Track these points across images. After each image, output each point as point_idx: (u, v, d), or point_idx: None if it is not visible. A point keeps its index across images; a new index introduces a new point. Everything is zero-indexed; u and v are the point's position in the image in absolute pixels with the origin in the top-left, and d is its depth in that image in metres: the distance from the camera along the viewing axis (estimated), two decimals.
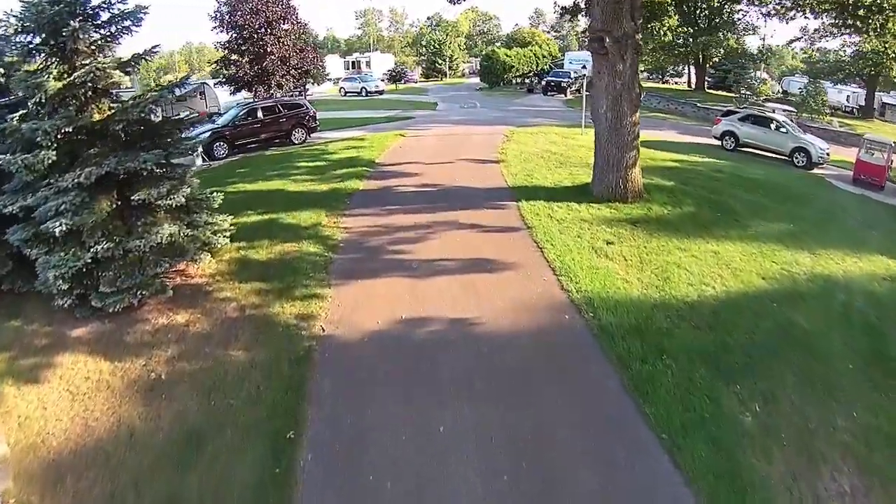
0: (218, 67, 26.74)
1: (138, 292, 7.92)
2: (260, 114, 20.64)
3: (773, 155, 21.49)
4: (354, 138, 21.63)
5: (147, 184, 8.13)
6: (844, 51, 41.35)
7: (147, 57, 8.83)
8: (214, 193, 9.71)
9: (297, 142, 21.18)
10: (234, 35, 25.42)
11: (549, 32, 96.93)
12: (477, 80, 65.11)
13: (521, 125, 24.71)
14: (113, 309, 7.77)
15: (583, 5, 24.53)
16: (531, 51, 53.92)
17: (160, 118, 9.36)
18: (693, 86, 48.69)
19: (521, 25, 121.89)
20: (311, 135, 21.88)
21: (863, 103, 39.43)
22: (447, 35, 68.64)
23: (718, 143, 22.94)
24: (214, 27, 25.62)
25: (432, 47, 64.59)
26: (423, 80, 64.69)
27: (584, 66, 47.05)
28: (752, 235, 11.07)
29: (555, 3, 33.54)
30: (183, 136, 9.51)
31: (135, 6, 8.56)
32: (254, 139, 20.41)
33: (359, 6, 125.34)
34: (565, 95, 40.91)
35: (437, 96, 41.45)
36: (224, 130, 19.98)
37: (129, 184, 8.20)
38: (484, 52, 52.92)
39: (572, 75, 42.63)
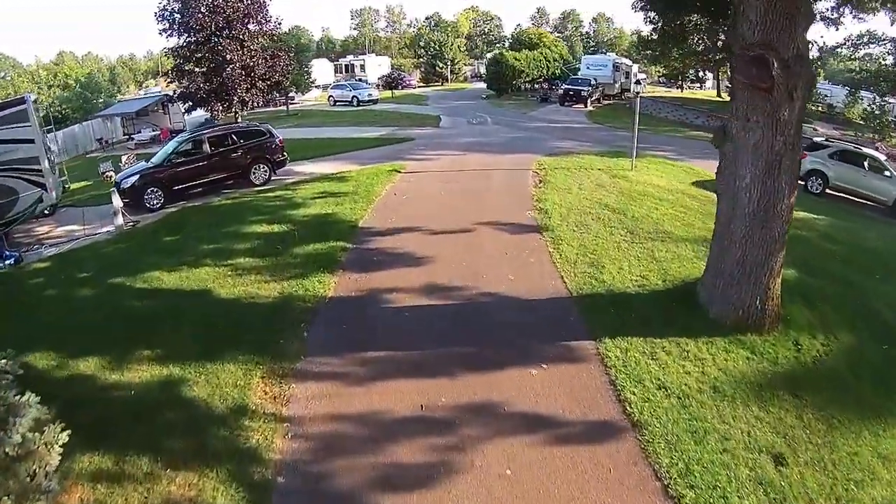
0: (169, 80, 21.45)
1: None
2: (207, 147, 15.39)
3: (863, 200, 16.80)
4: (334, 176, 16.37)
5: None
6: (885, 58, 36.46)
7: None
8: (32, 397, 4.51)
9: (257, 182, 15.97)
10: (188, 39, 20.19)
11: (552, 33, 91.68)
12: (481, 85, 59.92)
13: (549, 152, 19.53)
14: None
15: None
16: (541, 53, 48.76)
17: None
18: (724, 95, 43.61)
19: (523, 26, 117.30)
20: (279, 170, 16.66)
21: None
22: (448, 36, 63.34)
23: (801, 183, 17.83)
24: (163, 30, 20.34)
25: (432, 49, 59.30)
26: (421, 85, 59.44)
27: (617, 69, 41.80)
28: None
29: None
30: None
31: None
32: (199, 182, 15.18)
33: (354, 5, 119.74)
34: (585, 106, 35.74)
35: (440, 107, 36.19)
36: (158, 172, 14.78)
37: None
38: (491, 56, 47.70)
39: (592, 82, 37.49)
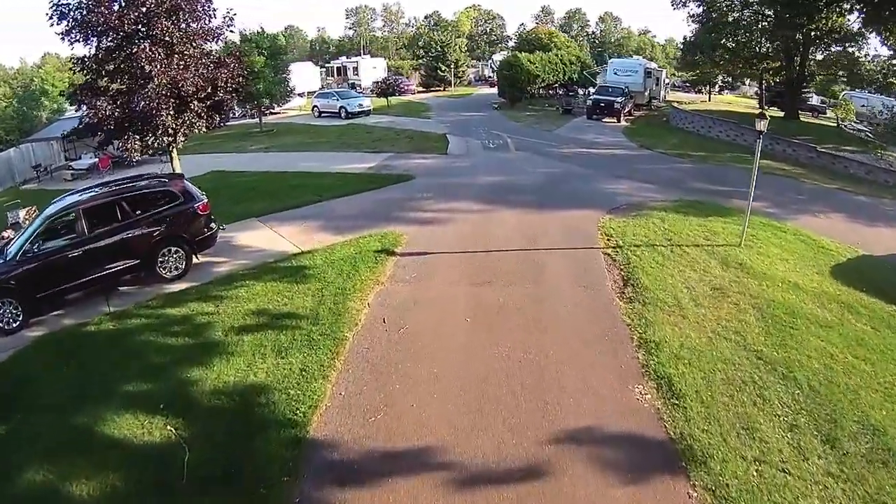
0: (76, 103, 15.24)
1: None
2: (83, 224, 9.37)
3: None
4: (289, 266, 10.21)
5: None
6: None
7: None
8: None
9: (168, 276, 9.98)
10: (98, 45, 14.09)
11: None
12: (487, 90, 53.76)
13: (609, 203, 13.63)
14: None
15: None
16: (556, 55, 42.65)
17: None
18: (764, 104, 37.67)
19: (526, 25, 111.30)
20: (204, 251, 10.65)
21: None
22: (450, 35, 57.17)
23: None
24: (63, 34, 14.18)
25: (434, 50, 53.05)
26: (421, 90, 53.31)
27: (649, 75, 35.51)
28: None
29: None
30: None
31: None
32: (76, 282, 9.23)
33: (350, 3, 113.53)
34: (618, 121, 29.71)
35: (445, 120, 30.06)
36: (11, 272, 8.78)
37: None
38: (502, 58, 41.54)
39: (625, 91, 31.46)
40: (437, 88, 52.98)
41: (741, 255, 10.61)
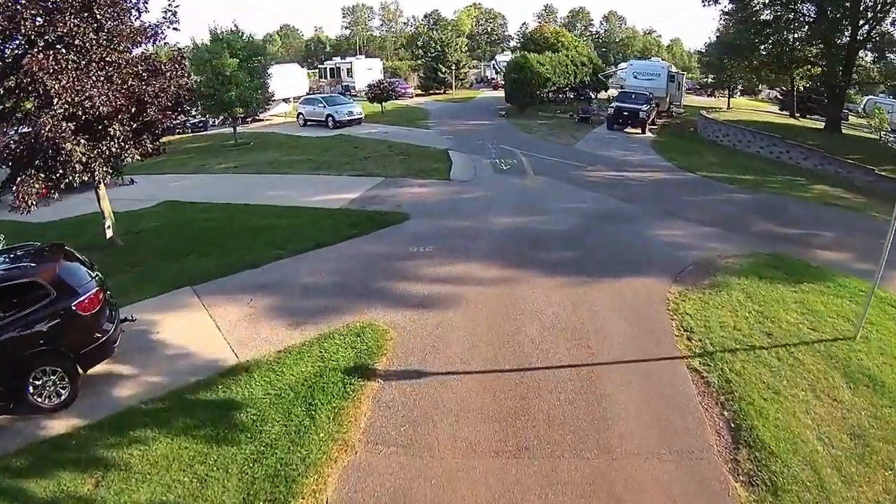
0: None
1: None
2: None
3: None
4: (211, 408, 6.45)
5: None
6: None
7: None
8: None
9: (47, 406, 6.47)
10: None
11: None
12: (490, 92, 50.17)
13: (667, 264, 10.10)
14: None
15: None
16: (567, 56, 39.08)
17: None
18: (793, 114, 34.18)
19: (529, 25, 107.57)
20: (97, 364, 7.08)
21: None
22: (451, 35, 53.52)
23: None
24: None
25: (433, 50, 49.38)
26: (420, 93, 49.74)
27: (672, 79, 31.86)
28: None
29: None
30: None
31: None
32: None
33: (347, 1, 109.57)
34: (643, 131, 26.24)
35: (446, 131, 26.49)
36: None
37: None
38: (510, 60, 37.83)
39: (650, 97, 27.98)
40: (437, 91, 49.44)
41: (864, 358, 7.29)
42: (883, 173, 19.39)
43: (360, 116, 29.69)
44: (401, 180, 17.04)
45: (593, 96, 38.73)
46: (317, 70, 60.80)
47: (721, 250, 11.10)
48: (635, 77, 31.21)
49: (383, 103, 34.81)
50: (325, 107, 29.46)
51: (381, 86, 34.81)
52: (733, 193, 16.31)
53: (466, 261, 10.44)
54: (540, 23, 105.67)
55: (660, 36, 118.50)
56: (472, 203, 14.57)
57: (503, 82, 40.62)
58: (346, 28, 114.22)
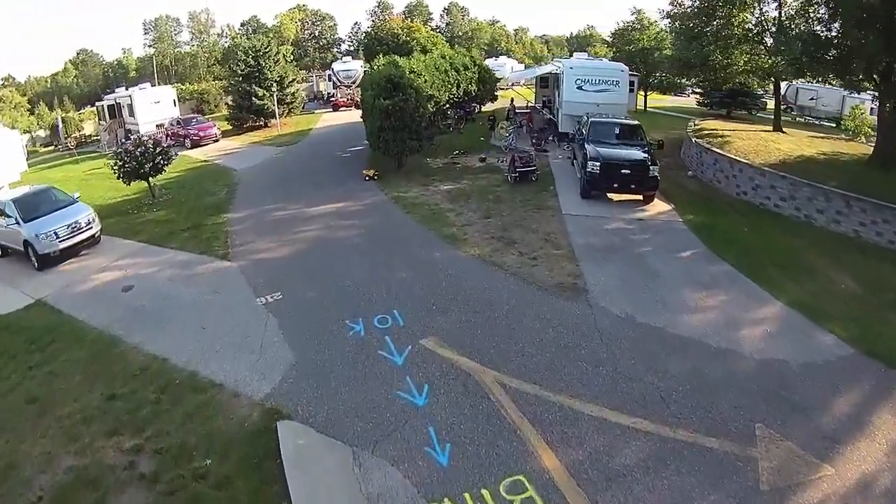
0: None
1: None
2: None
3: None
4: None
5: None
6: None
7: None
8: None
9: None
10: None
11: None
12: (332, 116, 35.32)
13: None
14: None
15: None
16: (445, 60, 25.70)
17: None
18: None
19: (361, 24, 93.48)
20: None
21: None
22: (269, 40, 37.13)
23: None
24: None
25: (244, 66, 33.17)
26: (230, 129, 33.50)
27: (632, 87, 19.30)
28: None
29: None
30: None
31: None
32: None
33: (147, 14, 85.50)
34: (649, 200, 13.80)
35: (268, 273, 11.67)
36: None
37: None
38: (376, 75, 21.62)
39: (634, 125, 15.60)
40: (257, 125, 33.34)
41: None
42: None
43: (97, 230, 13.65)
44: None
45: (502, 115, 25.80)
46: (96, 108, 40.87)
47: None
48: (578, 87, 18.69)
49: (151, 178, 18.39)
50: (17, 223, 12.88)
51: (139, 150, 18.11)
52: None
53: None
54: (374, 21, 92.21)
55: (504, 25, 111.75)
56: None
57: (359, 99, 26.49)
58: (150, 46, 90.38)
